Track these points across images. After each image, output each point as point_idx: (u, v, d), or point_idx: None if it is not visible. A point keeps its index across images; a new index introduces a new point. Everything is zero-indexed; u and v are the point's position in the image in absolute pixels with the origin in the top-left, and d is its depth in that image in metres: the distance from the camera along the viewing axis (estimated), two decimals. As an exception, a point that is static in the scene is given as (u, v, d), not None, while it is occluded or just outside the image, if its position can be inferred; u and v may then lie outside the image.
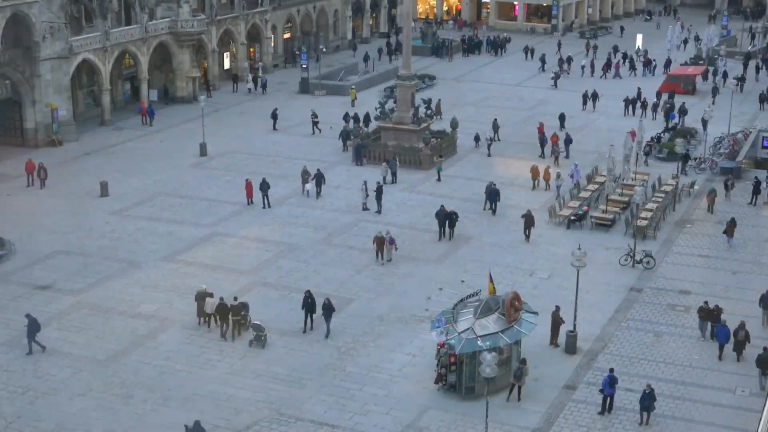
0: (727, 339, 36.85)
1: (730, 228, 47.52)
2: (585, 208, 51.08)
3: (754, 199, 53.40)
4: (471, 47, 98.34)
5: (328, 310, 38.17)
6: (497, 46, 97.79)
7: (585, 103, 74.02)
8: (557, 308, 37.68)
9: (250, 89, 79.69)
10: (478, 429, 31.71)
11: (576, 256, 36.77)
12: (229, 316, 37.93)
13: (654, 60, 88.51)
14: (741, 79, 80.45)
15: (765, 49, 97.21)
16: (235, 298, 39.44)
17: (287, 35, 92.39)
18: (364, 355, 36.86)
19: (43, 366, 35.89)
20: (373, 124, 64.97)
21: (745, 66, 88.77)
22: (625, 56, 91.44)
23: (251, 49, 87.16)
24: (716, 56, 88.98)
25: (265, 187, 52.64)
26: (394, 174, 56.56)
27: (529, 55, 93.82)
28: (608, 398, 33.25)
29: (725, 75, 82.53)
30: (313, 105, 72.96)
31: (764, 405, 30.88)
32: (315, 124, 67.27)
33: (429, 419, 32.82)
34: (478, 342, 33.02)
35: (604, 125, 69.30)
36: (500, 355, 32.61)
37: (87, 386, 34.58)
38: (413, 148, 60.18)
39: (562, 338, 37.33)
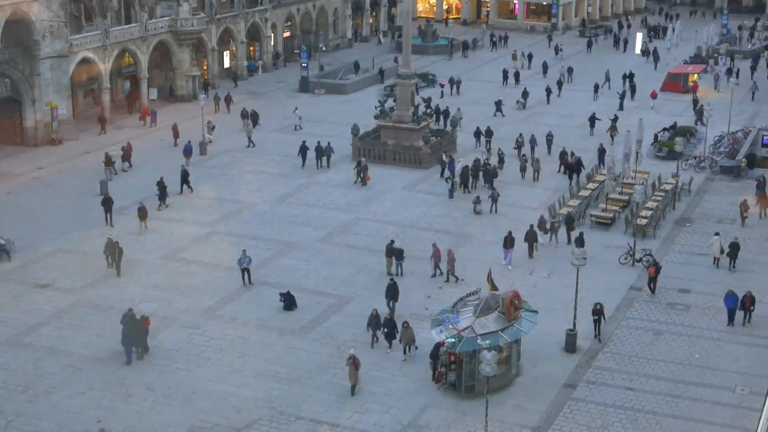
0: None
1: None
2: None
3: None
4: None
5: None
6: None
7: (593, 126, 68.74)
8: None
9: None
10: (478, 428, 31.71)
11: (576, 254, 36.77)
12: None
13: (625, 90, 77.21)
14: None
15: (764, 47, 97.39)
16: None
17: (287, 34, 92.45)
18: (364, 354, 36.81)
19: (43, 365, 35.89)
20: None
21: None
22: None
23: (251, 48, 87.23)
24: (716, 54, 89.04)
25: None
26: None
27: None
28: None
29: (729, 72, 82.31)
30: (313, 103, 72.89)
31: (764, 404, 30.87)
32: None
33: (429, 418, 32.81)
34: (478, 341, 33.03)
35: (605, 124, 69.31)
36: (500, 353, 32.64)
37: (87, 385, 34.57)
38: (413, 146, 60.18)
39: (562, 337, 37.32)
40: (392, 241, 44.48)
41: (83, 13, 71.88)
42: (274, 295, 41.54)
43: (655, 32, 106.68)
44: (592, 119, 67.66)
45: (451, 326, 33.74)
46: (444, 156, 58.23)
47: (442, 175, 56.90)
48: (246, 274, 42.75)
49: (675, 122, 68.12)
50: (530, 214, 51.46)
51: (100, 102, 69.63)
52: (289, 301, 40.47)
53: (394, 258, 43.64)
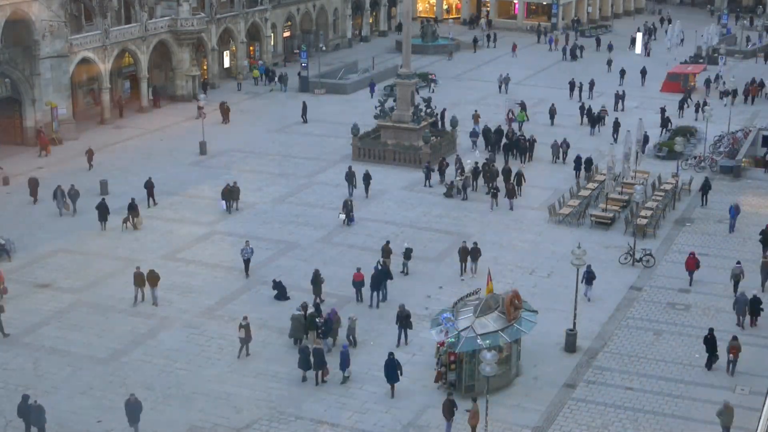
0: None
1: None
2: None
3: None
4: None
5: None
6: None
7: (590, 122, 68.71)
8: None
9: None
10: (478, 427, 31.67)
11: (576, 254, 36.74)
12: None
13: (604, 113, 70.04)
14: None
15: (763, 47, 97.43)
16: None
17: (287, 34, 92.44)
18: (364, 354, 36.82)
19: (43, 365, 35.88)
20: None
21: None
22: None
23: (251, 48, 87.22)
24: (715, 55, 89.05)
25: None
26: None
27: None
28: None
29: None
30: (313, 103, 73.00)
31: (764, 404, 30.86)
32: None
33: (429, 417, 32.80)
34: (478, 340, 33.03)
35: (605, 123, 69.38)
36: (500, 353, 32.64)
37: (87, 385, 34.57)
38: (413, 146, 60.16)
39: (562, 337, 37.33)
40: (387, 242, 44.54)
41: (83, 13, 71.89)
42: (275, 294, 41.56)
43: (652, 32, 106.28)
44: (593, 119, 67.39)
45: (447, 329, 33.75)
46: (444, 161, 57.39)
47: (433, 177, 55.88)
48: (247, 265, 43.48)
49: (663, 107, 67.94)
50: (530, 213, 51.53)
51: (101, 102, 69.64)
52: (280, 291, 41.06)
53: (402, 257, 44.06)
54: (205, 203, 53.25)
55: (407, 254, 43.97)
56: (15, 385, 34.45)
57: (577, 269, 37.00)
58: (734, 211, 49.46)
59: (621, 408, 33.44)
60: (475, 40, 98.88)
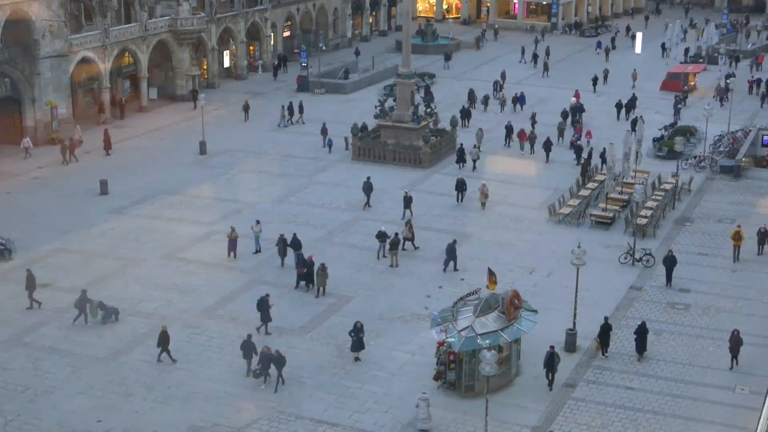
0: None
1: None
2: None
3: None
4: None
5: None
6: None
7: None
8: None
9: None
10: (478, 427, 31.69)
11: (576, 254, 36.75)
12: None
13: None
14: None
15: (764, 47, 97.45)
16: None
17: (287, 33, 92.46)
18: (364, 353, 36.82)
19: (43, 364, 35.87)
20: None
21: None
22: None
23: (251, 47, 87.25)
24: (716, 54, 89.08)
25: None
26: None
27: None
28: None
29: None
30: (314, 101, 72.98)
31: (764, 403, 30.89)
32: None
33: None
34: (478, 340, 33.04)
35: (604, 123, 69.35)
36: (500, 353, 32.65)
37: (87, 384, 34.58)
38: (413, 146, 60.16)
39: (562, 336, 37.31)
40: (396, 234, 45.28)
41: (83, 12, 71.89)
42: (274, 294, 41.48)
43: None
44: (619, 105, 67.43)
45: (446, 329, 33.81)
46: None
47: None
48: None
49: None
50: (530, 213, 51.52)
51: (101, 101, 69.62)
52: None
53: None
54: (205, 203, 53.24)
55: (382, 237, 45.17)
56: (15, 385, 34.48)
57: (577, 269, 36.98)
58: None
59: (621, 408, 33.45)
60: (478, 41, 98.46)
